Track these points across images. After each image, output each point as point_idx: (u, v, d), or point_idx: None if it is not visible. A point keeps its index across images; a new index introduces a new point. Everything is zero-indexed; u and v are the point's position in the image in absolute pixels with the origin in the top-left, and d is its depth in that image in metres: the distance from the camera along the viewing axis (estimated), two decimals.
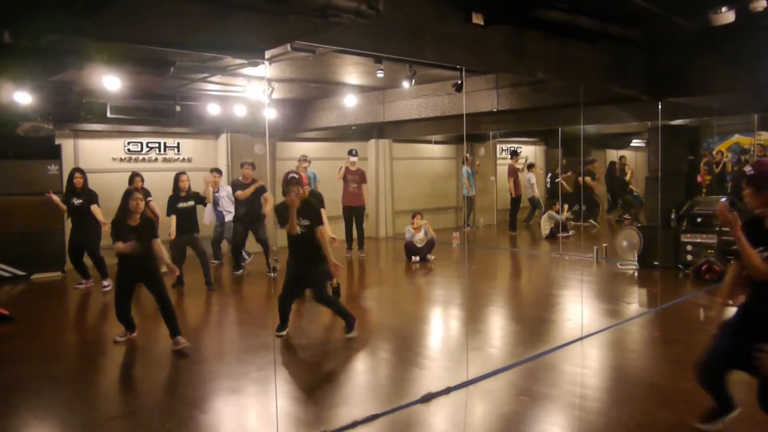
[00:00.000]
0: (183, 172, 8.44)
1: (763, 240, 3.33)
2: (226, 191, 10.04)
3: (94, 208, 8.34)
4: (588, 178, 14.64)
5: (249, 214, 9.25)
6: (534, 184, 14.92)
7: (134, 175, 8.81)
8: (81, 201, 8.31)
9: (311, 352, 5.81)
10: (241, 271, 9.51)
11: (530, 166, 15.15)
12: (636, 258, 9.31)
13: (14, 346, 6.11)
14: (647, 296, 8.02)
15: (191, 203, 8.26)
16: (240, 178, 9.38)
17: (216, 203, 9.87)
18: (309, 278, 6.04)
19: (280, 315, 6.12)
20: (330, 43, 4.90)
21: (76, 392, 4.90)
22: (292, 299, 6.19)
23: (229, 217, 9.94)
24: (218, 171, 9.79)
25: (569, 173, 14.83)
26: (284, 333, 6.09)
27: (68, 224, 8.70)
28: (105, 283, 8.41)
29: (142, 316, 7.45)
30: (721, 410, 3.82)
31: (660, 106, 8.51)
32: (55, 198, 8.35)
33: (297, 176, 5.95)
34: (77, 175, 8.34)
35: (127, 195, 5.89)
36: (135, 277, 5.87)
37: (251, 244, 9.84)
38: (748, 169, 3.42)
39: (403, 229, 11.70)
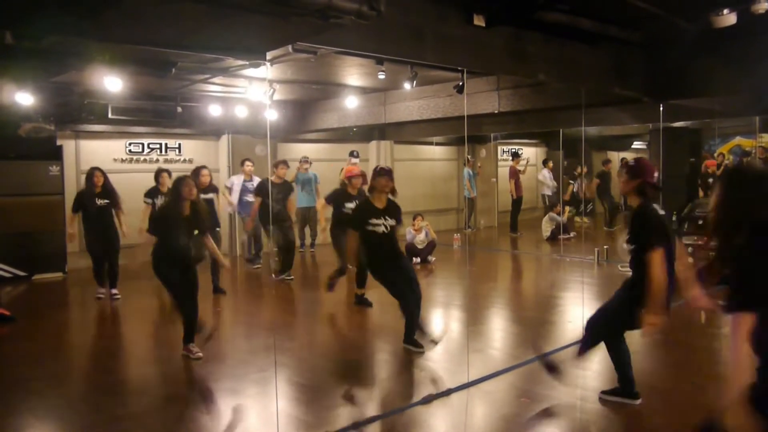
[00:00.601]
0: (204, 166, 8.10)
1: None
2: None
3: (119, 213, 7.98)
4: (596, 181, 14.65)
5: (281, 213, 8.87)
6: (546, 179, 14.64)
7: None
8: (107, 201, 7.85)
9: (312, 353, 5.81)
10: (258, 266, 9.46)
11: (545, 162, 15.00)
12: None
13: (15, 347, 6.12)
14: None
15: (211, 195, 7.96)
16: (273, 178, 8.98)
17: (246, 192, 9.64)
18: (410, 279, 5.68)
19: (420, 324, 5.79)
20: (331, 45, 4.91)
21: (76, 393, 4.91)
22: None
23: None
24: (250, 161, 9.67)
25: (594, 180, 14.68)
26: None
27: (69, 225, 8.49)
28: (114, 291, 8.02)
29: (142, 314, 7.46)
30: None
31: (661, 108, 8.51)
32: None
33: (388, 168, 5.82)
34: (97, 174, 7.83)
35: (180, 181, 5.53)
36: (178, 271, 5.49)
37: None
38: (631, 162, 4.23)
39: (404, 230, 11.70)
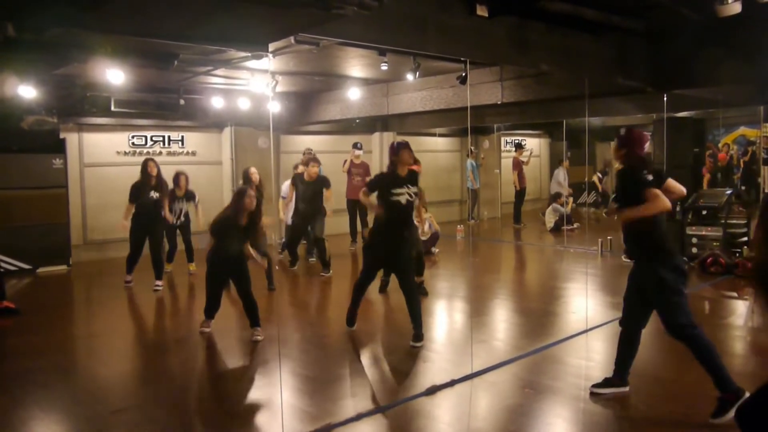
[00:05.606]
0: (251, 167, 8.15)
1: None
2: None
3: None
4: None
5: (308, 208, 8.80)
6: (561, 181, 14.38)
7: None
8: (159, 194, 8.07)
9: (316, 344, 5.82)
10: (296, 267, 9.22)
11: (561, 161, 14.88)
12: None
13: (20, 340, 6.14)
14: None
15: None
16: (303, 175, 8.86)
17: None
18: (396, 262, 5.77)
19: (354, 305, 6.02)
20: (334, 36, 4.89)
21: (81, 385, 4.93)
22: (369, 284, 6.09)
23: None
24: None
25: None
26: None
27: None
28: (159, 283, 8.09)
29: (146, 306, 7.49)
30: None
31: (665, 98, 8.47)
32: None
33: (405, 141, 5.82)
34: (151, 164, 8.01)
35: (241, 193, 5.86)
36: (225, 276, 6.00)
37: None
38: (622, 130, 4.32)
39: None
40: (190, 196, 8.79)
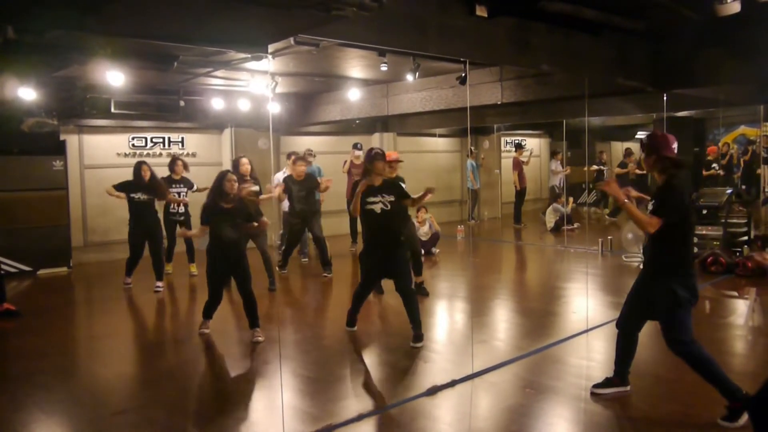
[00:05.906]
0: (243, 156, 8.10)
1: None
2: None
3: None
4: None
5: (306, 208, 8.68)
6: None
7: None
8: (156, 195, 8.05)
9: (317, 345, 5.82)
10: (286, 271, 9.08)
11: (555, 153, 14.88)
12: (641, 250, 9.28)
13: (21, 341, 6.14)
14: None
15: (257, 188, 7.66)
16: (293, 174, 8.69)
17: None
18: (391, 266, 5.68)
19: (354, 310, 6.01)
20: (333, 37, 4.90)
21: (82, 387, 4.93)
22: (370, 292, 6.09)
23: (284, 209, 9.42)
24: (295, 154, 9.18)
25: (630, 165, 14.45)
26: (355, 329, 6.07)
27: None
28: (160, 284, 8.07)
29: (147, 307, 7.49)
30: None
31: (665, 98, 8.47)
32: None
33: (381, 151, 5.75)
34: (144, 168, 7.94)
35: (220, 177, 5.91)
36: (226, 269, 5.93)
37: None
38: (644, 138, 4.16)
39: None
40: (187, 184, 8.74)
